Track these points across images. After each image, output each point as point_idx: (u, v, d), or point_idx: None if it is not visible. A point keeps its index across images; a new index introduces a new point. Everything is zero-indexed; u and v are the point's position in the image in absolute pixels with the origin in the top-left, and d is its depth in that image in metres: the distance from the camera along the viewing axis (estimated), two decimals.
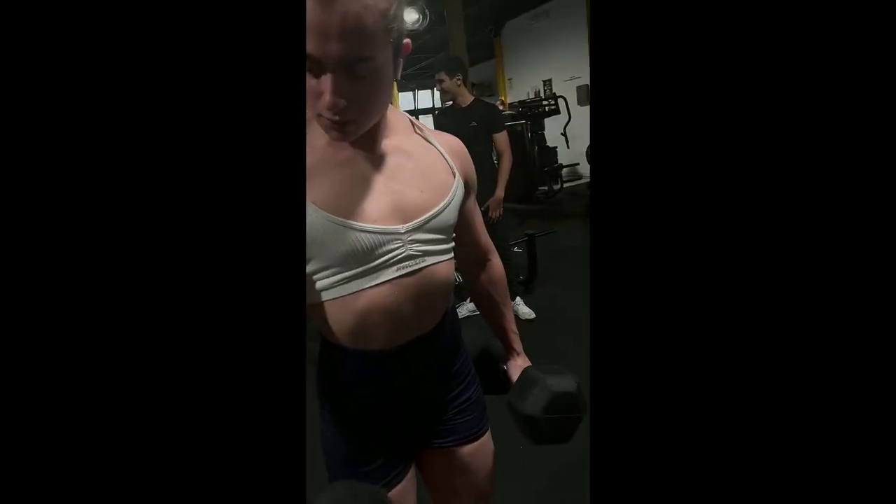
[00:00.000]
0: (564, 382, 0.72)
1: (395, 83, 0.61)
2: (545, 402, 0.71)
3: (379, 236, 0.60)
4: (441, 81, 2.67)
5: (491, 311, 0.87)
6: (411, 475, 0.78)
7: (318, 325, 0.68)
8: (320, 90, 0.53)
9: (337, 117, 0.55)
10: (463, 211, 0.72)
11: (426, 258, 0.64)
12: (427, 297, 0.65)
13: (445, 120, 2.81)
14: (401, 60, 0.58)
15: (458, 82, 2.64)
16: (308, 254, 0.59)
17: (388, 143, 0.65)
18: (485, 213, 2.83)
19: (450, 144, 0.72)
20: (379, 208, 0.61)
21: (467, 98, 2.69)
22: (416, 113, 13.91)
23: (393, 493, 0.73)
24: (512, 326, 0.86)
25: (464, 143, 0.75)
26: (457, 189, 0.68)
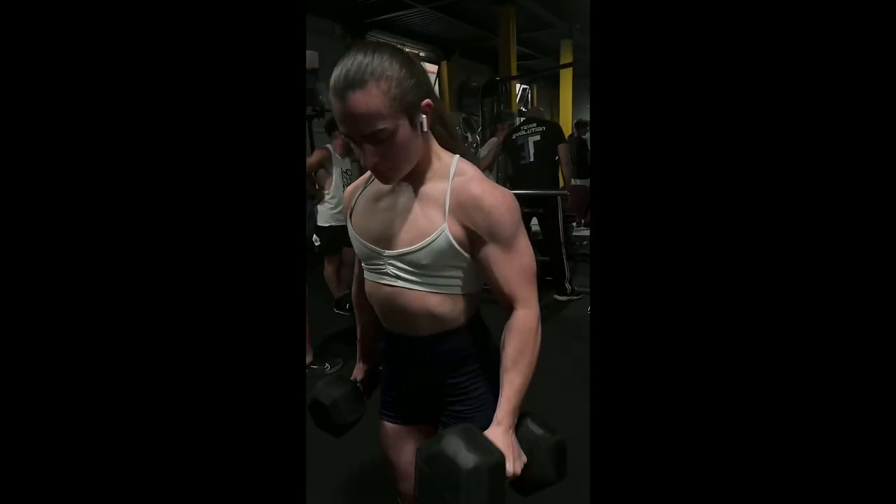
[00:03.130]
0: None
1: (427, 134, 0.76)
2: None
3: (370, 251, 0.84)
4: None
5: (501, 362, 0.80)
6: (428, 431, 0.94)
7: None
8: (360, 154, 0.72)
9: (376, 169, 0.74)
10: (480, 258, 0.79)
11: (399, 281, 0.81)
12: (404, 311, 0.82)
13: None
14: (423, 117, 0.73)
15: None
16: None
17: (414, 187, 0.81)
18: None
19: (460, 197, 0.77)
20: (374, 232, 0.84)
21: None
22: None
23: (406, 428, 0.95)
24: (508, 391, 0.78)
25: None
26: (438, 236, 0.77)
